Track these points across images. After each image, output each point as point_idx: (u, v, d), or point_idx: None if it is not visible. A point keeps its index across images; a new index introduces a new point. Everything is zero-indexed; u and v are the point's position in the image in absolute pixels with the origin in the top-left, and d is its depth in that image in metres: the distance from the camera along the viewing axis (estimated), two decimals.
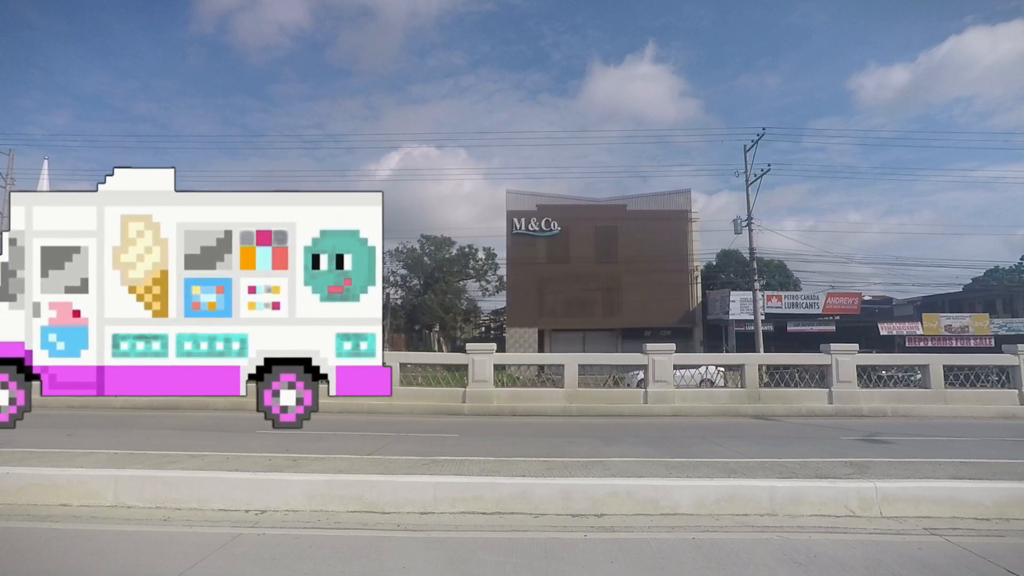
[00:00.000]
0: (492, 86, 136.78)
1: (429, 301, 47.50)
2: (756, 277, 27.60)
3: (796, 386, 12.69)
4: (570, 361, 12.54)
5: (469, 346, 12.68)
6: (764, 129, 27.05)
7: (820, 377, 12.58)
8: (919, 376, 13.43)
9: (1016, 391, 12.15)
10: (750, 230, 27.85)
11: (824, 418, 11.67)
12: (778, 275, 55.41)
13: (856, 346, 12.63)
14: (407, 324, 49.03)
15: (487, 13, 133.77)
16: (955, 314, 32.69)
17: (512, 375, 20.25)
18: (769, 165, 26.92)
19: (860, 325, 32.05)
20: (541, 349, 35.02)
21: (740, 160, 28.24)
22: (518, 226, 34.86)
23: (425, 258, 51.44)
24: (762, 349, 27.06)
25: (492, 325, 53.88)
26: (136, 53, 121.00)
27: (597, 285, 34.98)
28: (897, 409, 11.96)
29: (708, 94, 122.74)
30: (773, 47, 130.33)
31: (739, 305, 34.11)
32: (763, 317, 33.69)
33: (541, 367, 21.20)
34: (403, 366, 12.93)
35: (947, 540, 3.67)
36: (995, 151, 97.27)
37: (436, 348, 46.87)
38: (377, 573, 3.24)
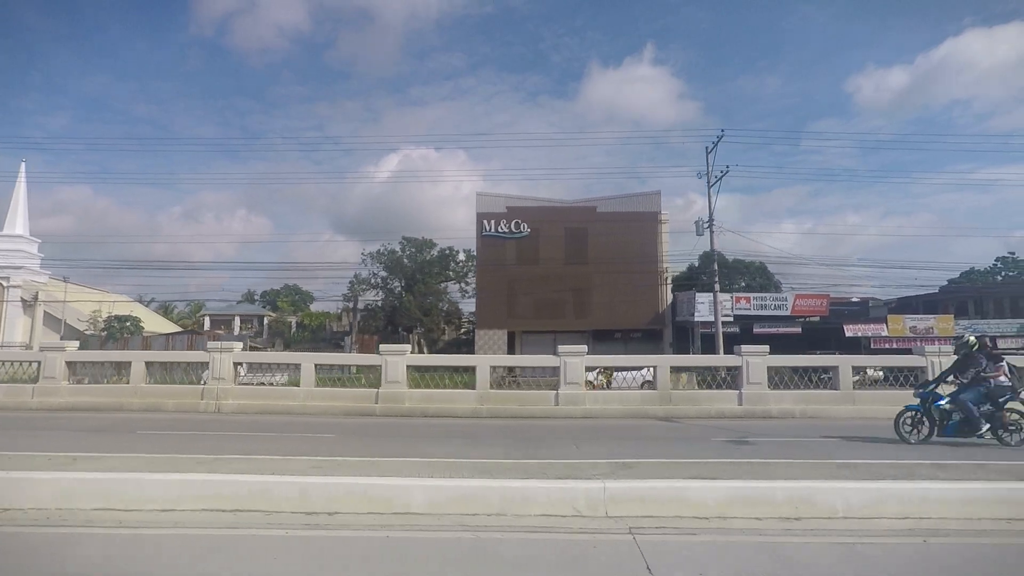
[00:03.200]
0: (492, 88, 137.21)
1: (408, 303, 47.59)
2: (716, 279, 27.58)
3: (719, 388, 12.73)
4: (482, 363, 12.62)
5: (382, 347, 12.76)
6: (723, 131, 27.07)
7: (732, 380, 12.62)
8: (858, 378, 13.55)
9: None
10: (711, 232, 27.91)
11: (732, 419, 11.69)
12: (759, 277, 55.46)
13: (767, 348, 12.68)
14: (386, 326, 49.10)
15: (486, 16, 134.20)
16: (920, 316, 32.68)
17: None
18: (727, 167, 27.00)
19: (827, 327, 32.06)
20: (512, 351, 35.10)
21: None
22: (488, 228, 34.96)
23: (405, 260, 51.52)
24: (722, 351, 27.11)
25: (472, 327, 53.93)
26: (135, 55, 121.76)
27: (567, 287, 35.00)
28: (806, 411, 11.99)
29: (707, 96, 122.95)
30: (772, 49, 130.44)
31: (707, 307, 34.16)
32: (731, 319, 33.84)
33: (510, 368, 21.25)
34: (319, 367, 13.02)
35: (635, 538, 3.71)
36: (993, 153, 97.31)
37: (416, 351, 46.95)
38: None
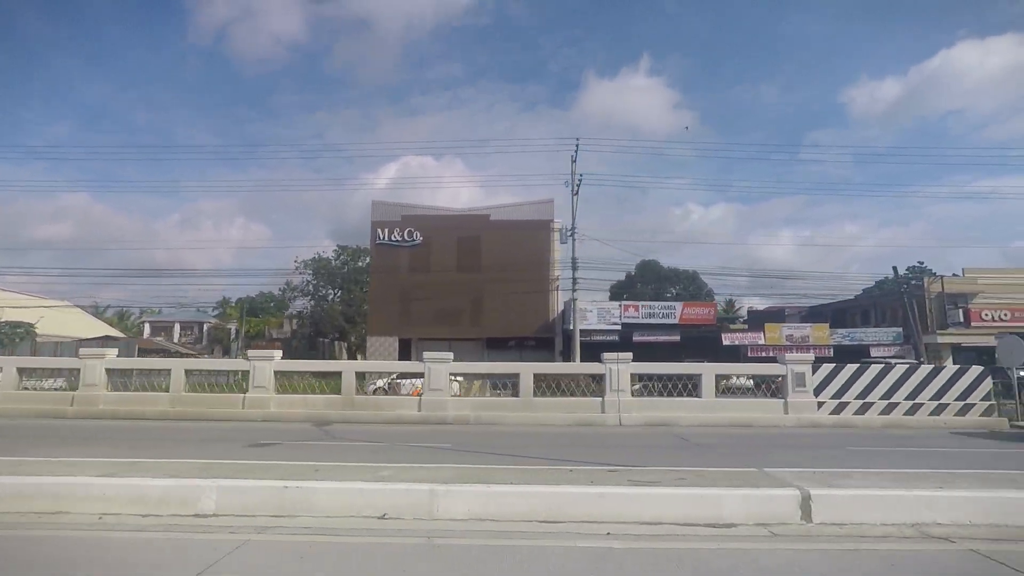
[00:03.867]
0: (491, 97, 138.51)
1: (332, 310, 48.00)
2: (575, 287, 27.70)
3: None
4: (176, 366, 12.85)
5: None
6: (578, 140, 27.42)
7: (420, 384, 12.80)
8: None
9: (600, 399, 12.34)
10: (573, 240, 28.15)
11: (409, 425, 11.87)
12: (690, 286, 55.62)
13: (451, 355, 12.89)
14: (312, 334, 49.46)
15: (484, 26, 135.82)
16: (797, 325, 32.71)
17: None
18: (582, 176, 27.29)
19: (708, 335, 32.12)
20: (407, 358, 35.30)
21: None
22: (381, 236, 35.31)
23: (340, 268, 51.91)
24: (579, 358, 27.29)
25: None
26: (136, 63, 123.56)
27: (461, 295, 35.20)
28: (480, 417, 12.15)
29: (703, 106, 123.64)
30: (768, 61, 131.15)
31: (595, 315, 34.34)
32: (619, 326, 33.97)
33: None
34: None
35: None
36: (988, 165, 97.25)
37: (340, 357, 47.23)
38: None
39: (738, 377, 16.20)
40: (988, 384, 12.16)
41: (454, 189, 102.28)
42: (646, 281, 57.38)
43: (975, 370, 12.21)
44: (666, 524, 4.01)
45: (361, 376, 13.53)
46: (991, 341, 30.73)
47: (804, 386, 12.32)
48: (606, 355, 12.59)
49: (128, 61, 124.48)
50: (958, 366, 12.64)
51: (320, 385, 13.10)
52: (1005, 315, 31.12)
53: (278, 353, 13.07)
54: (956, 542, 3.74)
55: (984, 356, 33.30)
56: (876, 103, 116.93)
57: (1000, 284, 31.54)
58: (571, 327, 34.46)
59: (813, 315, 42.61)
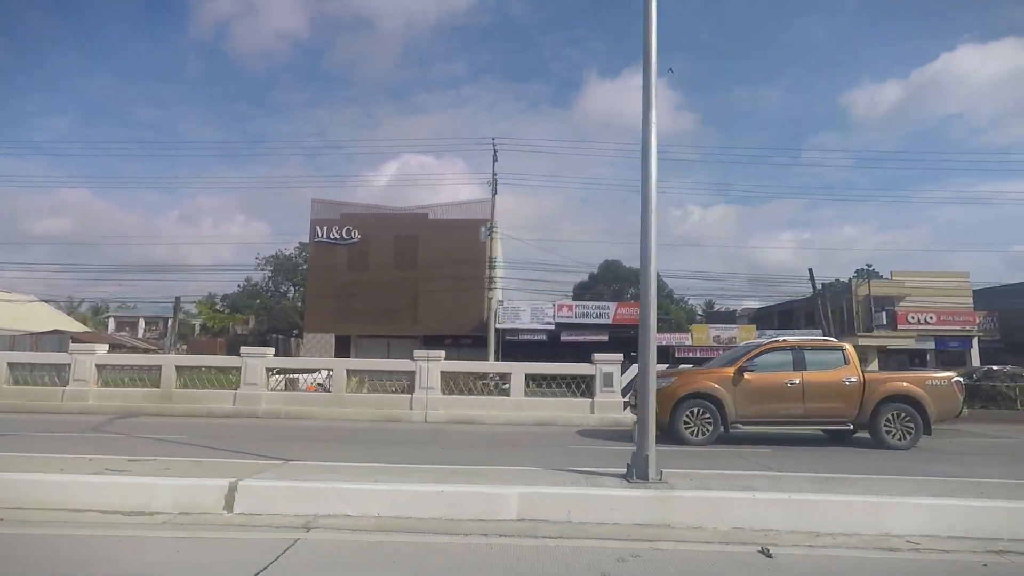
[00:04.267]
0: (493, 96, 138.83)
1: (288, 307, 48.37)
2: (490, 285, 27.88)
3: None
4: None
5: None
6: (494, 140, 27.55)
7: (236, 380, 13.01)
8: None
9: (409, 396, 12.52)
10: (491, 238, 28.31)
11: (219, 418, 12.09)
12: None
13: (272, 350, 13.11)
14: (267, 330, 49.79)
15: (486, 25, 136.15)
16: (724, 326, 32.77)
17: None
18: (496, 175, 27.35)
19: (636, 336, 32.13)
20: (346, 355, 35.55)
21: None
22: (320, 234, 35.58)
23: (297, 263, 52.23)
24: (494, 358, 27.46)
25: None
26: (137, 58, 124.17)
27: (398, 293, 35.43)
28: (291, 411, 12.35)
29: (705, 107, 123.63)
30: (770, 62, 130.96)
31: (530, 315, 34.51)
32: (552, 326, 34.13)
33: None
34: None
35: None
36: (988, 169, 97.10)
37: (295, 354, 47.58)
38: None
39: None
40: None
41: (396, 188, 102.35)
42: (607, 282, 57.53)
43: None
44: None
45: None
46: (912, 343, 30.84)
47: (611, 386, 12.48)
48: (417, 352, 12.78)
49: (129, 57, 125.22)
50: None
51: (144, 379, 13.30)
52: (930, 318, 31.14)
53: (104, 347, 13.28)
54: None
55: (916, 359, 33.38)
56: (877, 106, 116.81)
57: (927, 287, 31.54)
58: (505, 324, 34.73)
59: (761, 316, 42.73)
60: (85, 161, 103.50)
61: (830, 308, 39.67)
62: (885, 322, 30.70)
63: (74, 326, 53.68)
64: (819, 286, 28.64)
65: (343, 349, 35.80)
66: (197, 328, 58.11)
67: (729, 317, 45.74)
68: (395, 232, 35.73)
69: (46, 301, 55.77)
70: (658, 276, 44.47)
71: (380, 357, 36.26)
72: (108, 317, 57.60)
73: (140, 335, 56.47)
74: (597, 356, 12.92)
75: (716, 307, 56.02)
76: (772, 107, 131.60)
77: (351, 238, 35.37)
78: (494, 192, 28.23)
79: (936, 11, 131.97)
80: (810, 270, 29.51)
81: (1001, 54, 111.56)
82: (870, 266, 49.95)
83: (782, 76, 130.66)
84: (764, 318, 41.56)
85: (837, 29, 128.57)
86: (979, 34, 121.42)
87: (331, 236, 35.36)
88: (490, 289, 27.87)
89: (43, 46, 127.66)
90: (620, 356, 12.99)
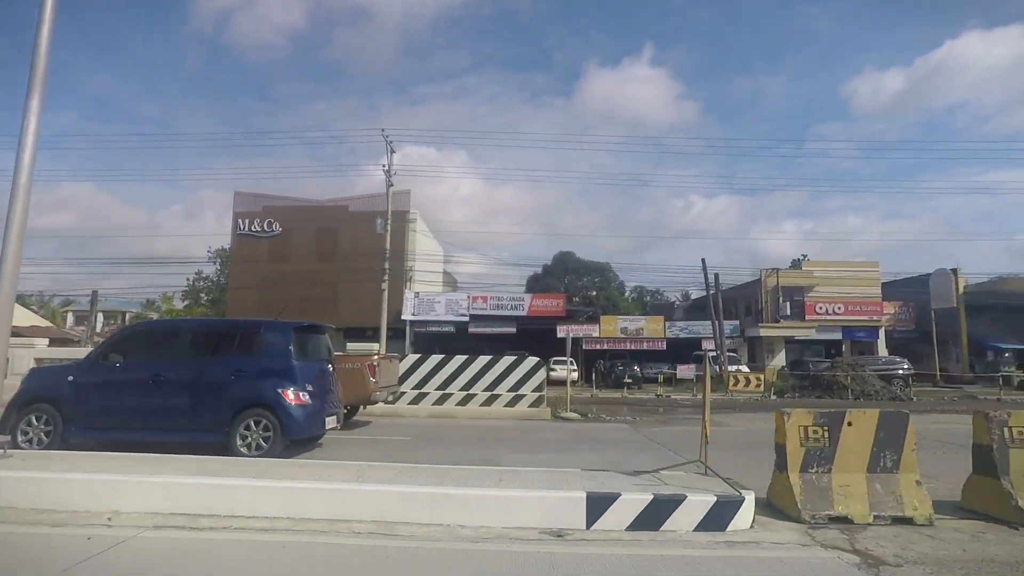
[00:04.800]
0: (495, 88, 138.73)
1: (227, 300, 48.77)
2: (386, 276, 28.05)
3: None
4: None
5: None
6: (384, 130, 27.70)
7: None
8: None
9: None
10: (387, 230, 28.46)
11: None
12: (599, 278, 55.68)
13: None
14: None
15: (486, 16, 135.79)
16: (632, 317, 32.79)
17: None
18: (385, 167, 27.43)
19: (545, 327, 32.30)
20: None
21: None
22: (242, 227, 35.84)
23: None
24: (386, 349, 27.65)
25: None
26: (137, 52, 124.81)
27: (319, 284, 35.68)
28: None
29: (708, 97, 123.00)
30: (775, 52, 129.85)
31: (445, 306, 34.67)
32: (467, 318, 34.28)
33: None
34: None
35: None
36: (993, 157, 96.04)
37: None
38: None
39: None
40: (542, 375, 12.36)
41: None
42: (559, 274, 57.51)
43: (530, 361, 12.40)
44: None
45: None
46: (813, 334, 30.78)
47: None
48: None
49: (131, 50, 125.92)
50: (515, 357, 12.79)
51: None
52: (839, 308, 31.03)
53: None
54: None
55: (833, 349, 33.25)
56: (881, 95, 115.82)
57: (836, 277, 31.41)
58: (415, 317, 34.92)
59: (694, 308, 42.72)
60: (86, 155, 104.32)
61: (750, 299, 39.68)
62: (789, 312, 30.60)
63: (33, 320, 54.49)
64: (712, 277, 28.53)
65: None
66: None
67: (668, 308, 45.76)
68: (317, 224, 35.96)
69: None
70: (609, 267, 44.15)
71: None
72: (68, 312, 58.25)
73: (99, 329, 57.12)
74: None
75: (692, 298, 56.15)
76: (774, 96, 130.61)
77: (272, 230, 35.63)
78: (389, 184, 28.29)
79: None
80: (703, 260, 29.54)
81: (1007, 40, 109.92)
82: (805, 256, 49.83)
83: (784, 65, 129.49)
84: (695, 310, 41.55)
85: (840, 17, 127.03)
86: (984, 22, 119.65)
87: (253, 228, 35.63)
88: (383, 281, 27.86)
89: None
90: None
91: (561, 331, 32.29)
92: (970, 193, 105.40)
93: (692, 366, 26.40)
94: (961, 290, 31.76)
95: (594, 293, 55.31)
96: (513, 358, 12.57)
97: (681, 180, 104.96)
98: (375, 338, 35.90)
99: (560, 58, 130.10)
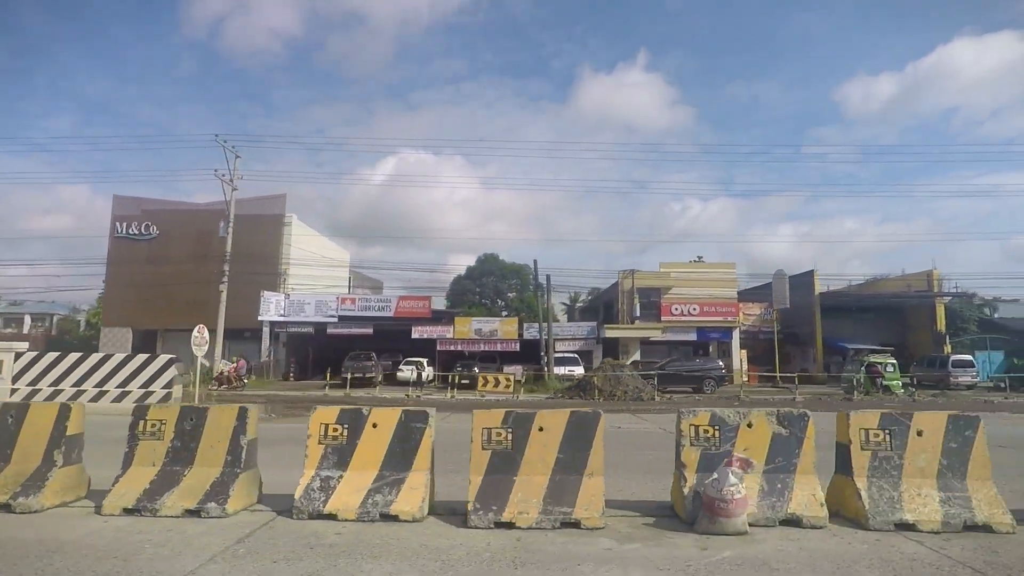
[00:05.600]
0: (493, 93, 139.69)
1: None
2: (224, 279, 28.22)
3: None
4: None
5: None
6: (217, 135, 27.89)
7: None
8: None
9: None
10: (229, 233, 28.67)
11: None
12: (516, 280, 55.75)
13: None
14: None
15: (482, 22, 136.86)
16: (486, 319, 32.85)
17: None
18: (223, 173, 27.60)
19: (401, 328, 32.41)
20: (152, 349, 36.13)
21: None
22: (120, 230, 36.13)
23: None
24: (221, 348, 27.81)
25: None
26: (135, 58, 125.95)
27: (198, 286, 35.88)
28: None
29: (703, 102, 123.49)
30: (771, 58, 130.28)
31: (314, 307, 34.80)
32: (336, 319, 34.41)
33: None
34: None
35: None
36: (993, 159, 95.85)
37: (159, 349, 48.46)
38: None
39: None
40: (172, 372, 12.49)
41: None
42: (480, 276, 57.68)
43: (162, 359, 12.53)
44: None
45: None
46: (658, 335, 30.74)
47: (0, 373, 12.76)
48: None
49: (128, 54, 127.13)
50: (147, 356, 12.91)
51: None
52: (694, 309, 31.03)
53: None
54: None
55: (700, 350, 33.22)
56: (873, 100, 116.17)
57: (692, 279, 31.43)
58: (284, 318, 35.07)
59: (590, 309, 42.74)
60: (84, 156, 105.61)
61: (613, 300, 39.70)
62: (638, 313, 30.63)
63: None
64: (543, 279, 28.58)
65: (148, 343, 36.41)
66: (82, 325, 59.05)
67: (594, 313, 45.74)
68: (196, 227, 36.18)
69: None
70: (528, 268, 43.75)
71: (186, 349, 36.86)
72: None
73: (25, 331, 57.56)
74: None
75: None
76: (768, 102, 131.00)
77: (149, 233, 35.91)
78: (234, 189, 28.51)
79: (932, 4, 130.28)
80: (535, 261, 29.60)
81: (998, 46, 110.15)
82: (700, 257, 49.73)
83: (778, 71, 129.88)
84: (590, 312, 41.61)
85: (834, 22, 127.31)
86: (977, 28, 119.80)
87: (130, 232, 35.91)
88: (221, 282, 28.05)
89: (44, 45, 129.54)
90: (23, 345, 13.22)
91: (416, 332, 32.47)
92: (965, 197, 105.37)
93: (519, 367, 26.49)
94: (817, 292, 31.74)
95: (512, 295, 55.48)
96: (146, 356, 12.74)
97: (676, 184, 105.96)
98: (253, 339, 36.29)
99: (557, 64, 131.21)
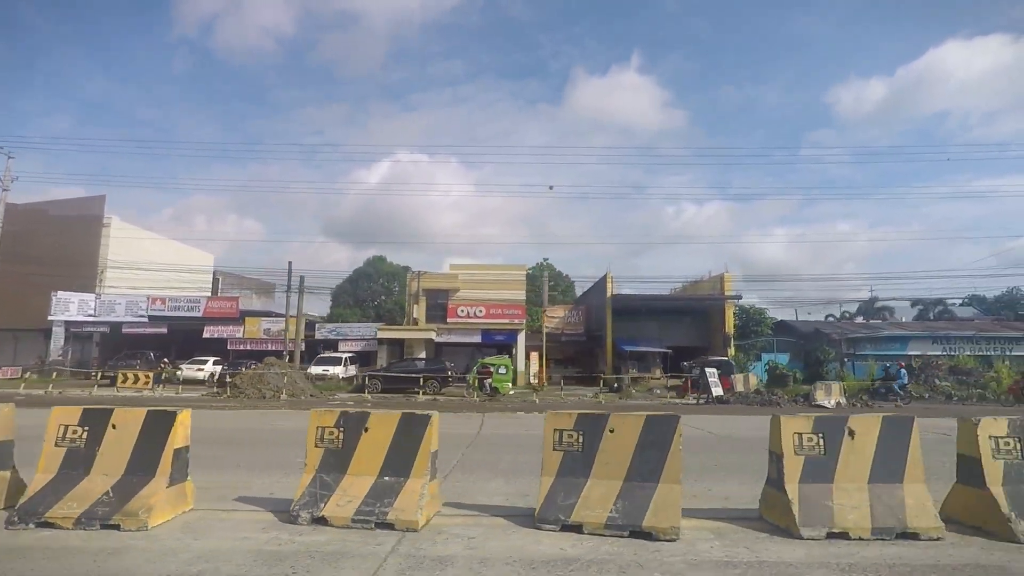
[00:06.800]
0: (490, 95, 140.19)
1: None
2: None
3: None
4: None
5: None
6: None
7: None
8: None
9: None
10: None
11: None
12: (395, 283, 56.02)
13: None
14: None
15: (479, 23, 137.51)
16: (275, 318, 33.11)
17: None
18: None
19: (193, 328, 32.65)
20: None
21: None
22: None
23: None
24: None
25: None
26: (131, 57, 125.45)
27: (18, 286, 36.01)
28: None
29: (696, 105, 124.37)
30: (765, 61, 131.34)
31: (125, 307, 35.00)
32: (147, 318, 34.61)
33: None
34: None
35: None
36: (987, 162, 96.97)
37: None
38: None
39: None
40: None
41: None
42: (369, 278, 58.02)
43: None
44: None
45: None
46: (433, 335, 31.03)
47: None
48: None
49: (125, 54, 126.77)
50: None
51: None
52: (480, 311, 31.41)
53: None
54: None
55: (506, 352, 33.55)
56: (865, 103, 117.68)
57: (479, 280, 31.82)
58: (93, 318, 35.22)
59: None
60: (79, 158, 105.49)
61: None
62: (416, 315, 30.98)
63: None
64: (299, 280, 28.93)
65: None
66: None
67: None
68: (12, 227, 36.25)
69: None
70: (410, 270, 43.19)
71: (9, 348, 37.04)
72: None
73: None
74: None
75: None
76: (761, 105, 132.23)
77: None
78: (4, 189, 28.68)
79: (922, 9, 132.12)
80: (289, 263, 29.78)
81: (988, 50, 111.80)
82: (547, 259, 50.04)
83: (771, 75, 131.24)
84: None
85: (828, 26, 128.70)
86: (967, 32, 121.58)
87: None
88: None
89: (42, 45, 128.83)
90: None
91: (208, 332, 32.73)
92: (957, 200, 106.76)
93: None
94: (610, 294, 32.20)
95: (383, 298, 55.82)
96: None
97: (671, 186, 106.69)
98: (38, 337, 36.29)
99: (554, 66, 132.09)
